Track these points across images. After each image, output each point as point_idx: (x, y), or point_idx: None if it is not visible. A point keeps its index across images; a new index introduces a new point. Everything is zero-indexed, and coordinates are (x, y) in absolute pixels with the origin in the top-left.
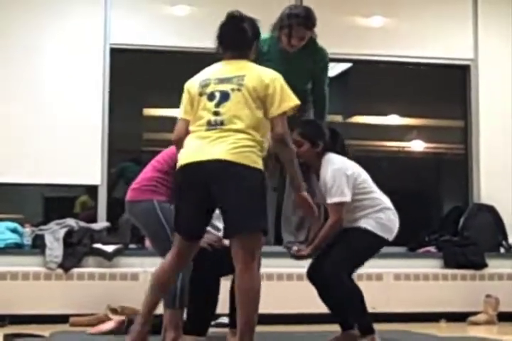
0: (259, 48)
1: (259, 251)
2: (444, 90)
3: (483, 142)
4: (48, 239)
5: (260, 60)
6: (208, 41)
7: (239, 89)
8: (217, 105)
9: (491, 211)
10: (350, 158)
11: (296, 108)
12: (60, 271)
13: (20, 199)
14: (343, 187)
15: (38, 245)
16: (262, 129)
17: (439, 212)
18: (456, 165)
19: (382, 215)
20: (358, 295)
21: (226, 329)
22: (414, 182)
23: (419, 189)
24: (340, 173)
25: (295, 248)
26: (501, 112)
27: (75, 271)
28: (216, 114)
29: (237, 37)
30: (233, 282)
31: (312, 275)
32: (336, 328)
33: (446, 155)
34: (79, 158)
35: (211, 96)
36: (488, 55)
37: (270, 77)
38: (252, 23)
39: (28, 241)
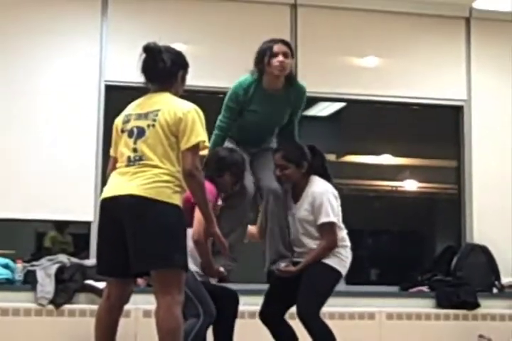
0: (242, 91)
1: (178, 288)
2: (437, 130)
3: (476, 182)
4: (40, 275)
5: (243, 102)
6: (204, 79)
7: (153, 125)
8: (135, 141)
9: (483, 251)
10: (330, 178)
11: (206, 147)
12: (51, 307)
13: (12, 234)
14: (335, 208)
15: (29, 281)
16: (180, 164)
17: (431, 252)
18: (449, 205)
19: (343, 252)
20: (333, 335)
21: None
22: (407, 221)
23: (412, 228)
24: (332, 196)
25: (283, 264)
26: (494, 153)
27: (66, 307)
28: (135, 150)
29: (155, 69)
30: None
31: (266, 315)
32: None
33: (439, 195)
34: (72, 194)
35: (130, 133)
36: (482, 95)
37: (184, 111)
38: (174, 54)
39: (19, 276)
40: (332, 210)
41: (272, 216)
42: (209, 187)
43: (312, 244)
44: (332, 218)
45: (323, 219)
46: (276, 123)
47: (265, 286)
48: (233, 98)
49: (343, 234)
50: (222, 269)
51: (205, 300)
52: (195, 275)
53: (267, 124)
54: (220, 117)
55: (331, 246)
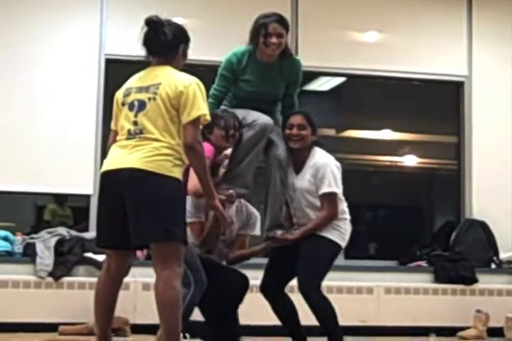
0: (235, 60)
1: (177, 261)
2: (437, 106)
3: (475, 158)
4: (39, 248)
5: (237, 71)
6: (202, 53)
7: (154, 98)
8: (136, 115)
9: (482, 227)
10: None
11: (207, 121)
12: (50, 279)
13: (12, 207)
14: (337, 179)
15: (28, 253)
16: (181, 138)
17: (430, 227)
18: (448, 181)
19: (342, 225)
20: (333, 309)
21: None
22: (406, 196)
23: (411, 204)
24: (335, 167)
25: (279, 232)
26: (494, 129)
27: (66, 279)
28: (135, 123)
29: (156, 42)
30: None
31: (266, 288)
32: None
33: (439, 171)
34: (72, 168)
35: (131, 106)
36: (482, 71)
37: (185, 84)
38: (175, 28)
39: (19, 249)
40: (335, 181)
41: (273, 183)
42: (205, 146)
43: (313, 215)
44: (334, 188)
45: (324, 189)
46: (271, 94)
47: (264, 260)
48: (227, 67)
49: (343, 206)
50: (231, 191)
51: (197, 270)
52: (191, 246)
53: (261, 94)
54: (214, 86)
55: (331, 216)
